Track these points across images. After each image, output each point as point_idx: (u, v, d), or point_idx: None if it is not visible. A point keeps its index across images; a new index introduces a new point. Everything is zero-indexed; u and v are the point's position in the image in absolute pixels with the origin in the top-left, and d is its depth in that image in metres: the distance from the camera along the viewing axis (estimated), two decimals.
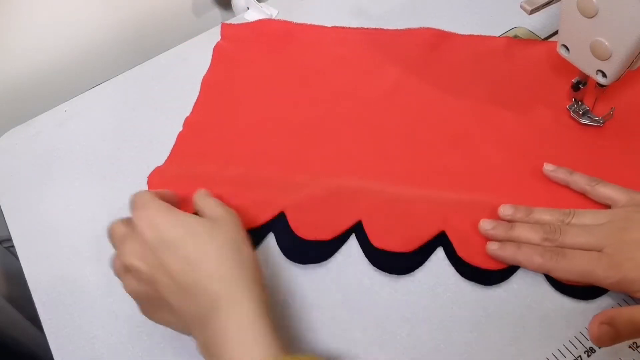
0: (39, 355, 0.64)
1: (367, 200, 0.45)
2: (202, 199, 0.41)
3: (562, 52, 0.45)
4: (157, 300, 0.36)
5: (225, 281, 0.34)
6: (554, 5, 0.44)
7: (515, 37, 0.57)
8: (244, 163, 0.49)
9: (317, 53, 0.57)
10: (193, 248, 0.35)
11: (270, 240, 0.45)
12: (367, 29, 0.59)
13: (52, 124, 0.56)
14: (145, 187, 0.48)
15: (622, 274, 0.37)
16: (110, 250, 0.38)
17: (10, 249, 0.64)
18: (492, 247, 0.41)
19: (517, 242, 0.41)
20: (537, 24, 0.57)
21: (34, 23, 0.58)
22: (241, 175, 0.48)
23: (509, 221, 0.42)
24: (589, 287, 0.39)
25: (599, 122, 0.48)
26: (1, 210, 0.50)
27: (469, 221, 0.43)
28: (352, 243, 0.44)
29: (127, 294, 0.37)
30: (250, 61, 0.58)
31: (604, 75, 0.42)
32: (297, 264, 0.43)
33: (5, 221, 0.49)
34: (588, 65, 0.43)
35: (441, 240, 0.43)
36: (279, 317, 0.41)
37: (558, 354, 0.38)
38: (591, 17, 0.39)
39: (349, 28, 0.59)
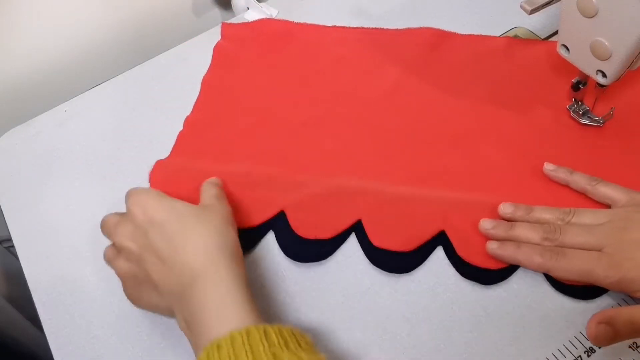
0: (39, 355, 0.64)
1: (367, 200, 0.45)
2: (207, 186, 0.43)
3: (562, 52, 0.45)
4: (144, 279, 0.38)
5: (206, 259, 0.36)
6: (554, 5, 0.44)
7: (515, 37, 0.57)
8: (244, 162, 0.49)
9: (317, 53, 0.57)
10: (178, 228, 0.37)
11: (270, 238, 0.45)
12: (367, 28, 0.59)
13: (52, 124, 0.56)
14: (146, 187, 0.48)
15: (622, 274, 0.37)
16: None
17: (10, 249, 0.64)
18: (492, 246, 0.41)
19: (517, 241, 0.41)
20: (537, 24, 0.57)
21: (34, 23, 0.58)
22: (241, 174, 0.48)
23: (509, 219, 0.42)
24: (588, 287, 0.39)
25: (599, 122, 0.48)
26: (1, 210, 0.50)
27: (469, 221, 0.43)
28: (352, 242, 0.44)
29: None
30: (251, 61, 0.58)
31: (604, 75, 0.42)
32: (297, 262, 0.43)
33: (5, 221, 0.49)
34: (588, 65, 0.43)
35: (441, 239, 0.43)
36: (279, 316, 0.41)
37: (558, 354, 0.38)
38: (591, 17, 0.39)
39: (349, 28, 0.59)
